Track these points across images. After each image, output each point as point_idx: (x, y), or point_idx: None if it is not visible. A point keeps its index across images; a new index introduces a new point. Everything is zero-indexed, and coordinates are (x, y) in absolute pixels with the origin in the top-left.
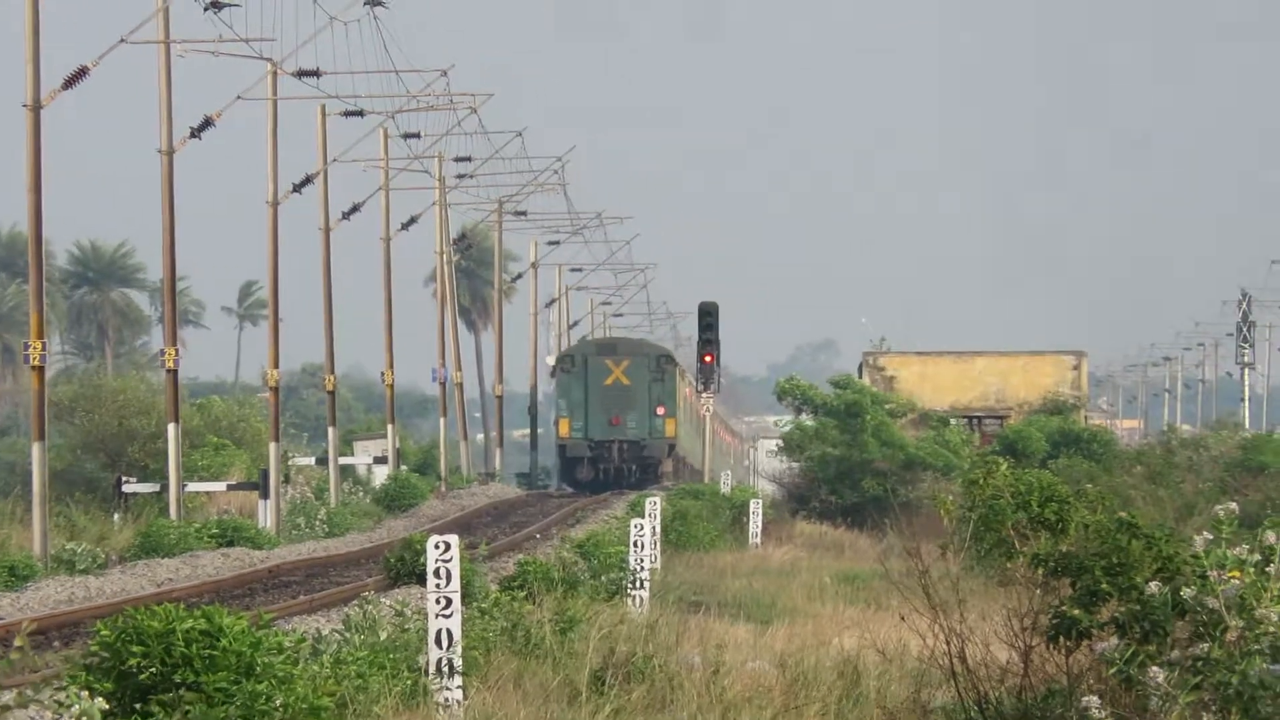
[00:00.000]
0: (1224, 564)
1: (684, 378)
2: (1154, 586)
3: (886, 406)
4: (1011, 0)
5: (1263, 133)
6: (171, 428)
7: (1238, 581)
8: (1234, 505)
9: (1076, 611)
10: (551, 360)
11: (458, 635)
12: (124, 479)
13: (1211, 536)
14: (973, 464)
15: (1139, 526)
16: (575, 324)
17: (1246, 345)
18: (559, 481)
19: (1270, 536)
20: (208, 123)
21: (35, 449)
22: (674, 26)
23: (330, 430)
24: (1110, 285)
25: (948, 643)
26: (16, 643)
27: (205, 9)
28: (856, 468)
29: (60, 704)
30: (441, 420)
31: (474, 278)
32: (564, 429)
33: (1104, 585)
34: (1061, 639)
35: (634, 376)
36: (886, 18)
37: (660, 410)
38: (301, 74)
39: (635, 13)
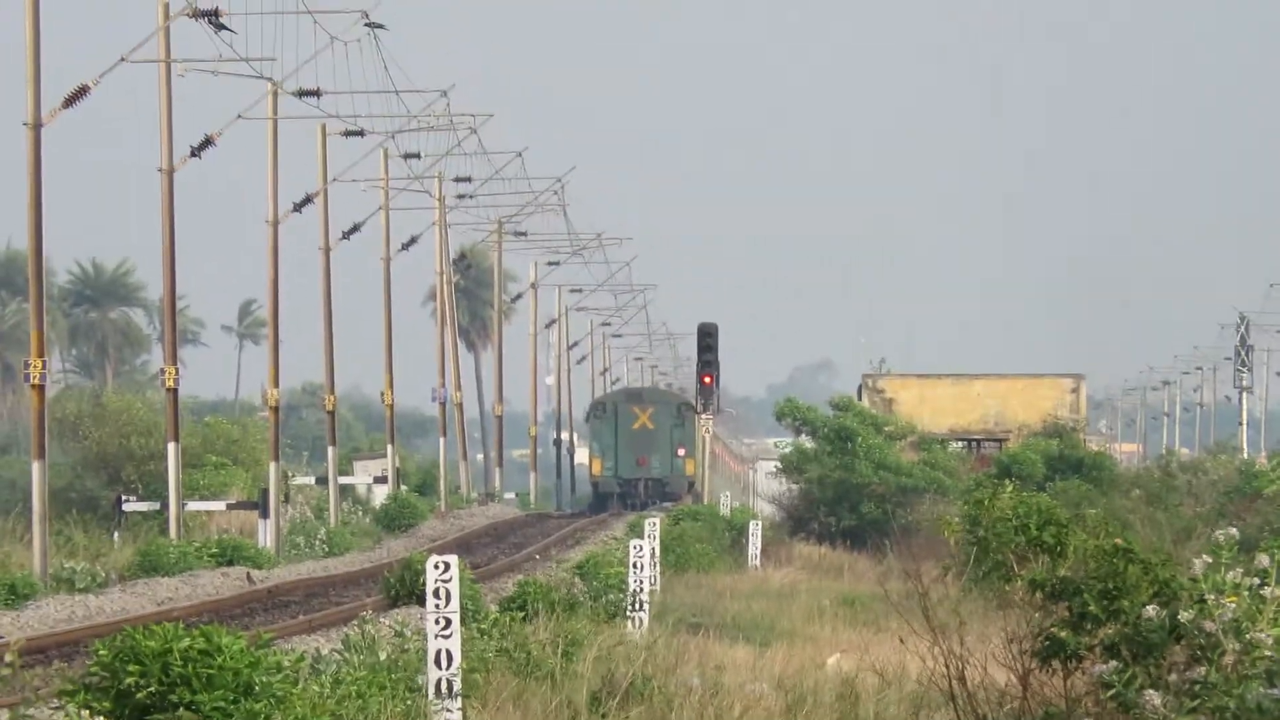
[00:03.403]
0: (1222, 588)
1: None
2: (1151, 610)
3: (885, 429)
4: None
5: (1260, 155)
6: (171, 446)
7: (1234, 605)
8: (1234, 530)
9: (1065, 634)
10: (551, 381)
11: (457, 656)
12: (124, 497)
13: (1210, 560)
14: (976, 484)
15: (1135, 552)
16: (575, 344)
17: (1244, 369)
18: (591, 512)
19: (1264, 560)
20: (208, 142)
21: (35, 467)
22: (684, 40)
23: (330, 450)
24: (1109, 309)
25: (947, 665)
26: (7, 659)
27: (198, 16)
28: (854, 490)
29: None
30: (441, 440)
31: (473, 298)
32: (596, 468)
33: (1092, 608)
34: (1053, 661)
35: (658, 422)
36: (885, 39)
37: (681, 451)
38: (302, 94)
39: (639, 33)
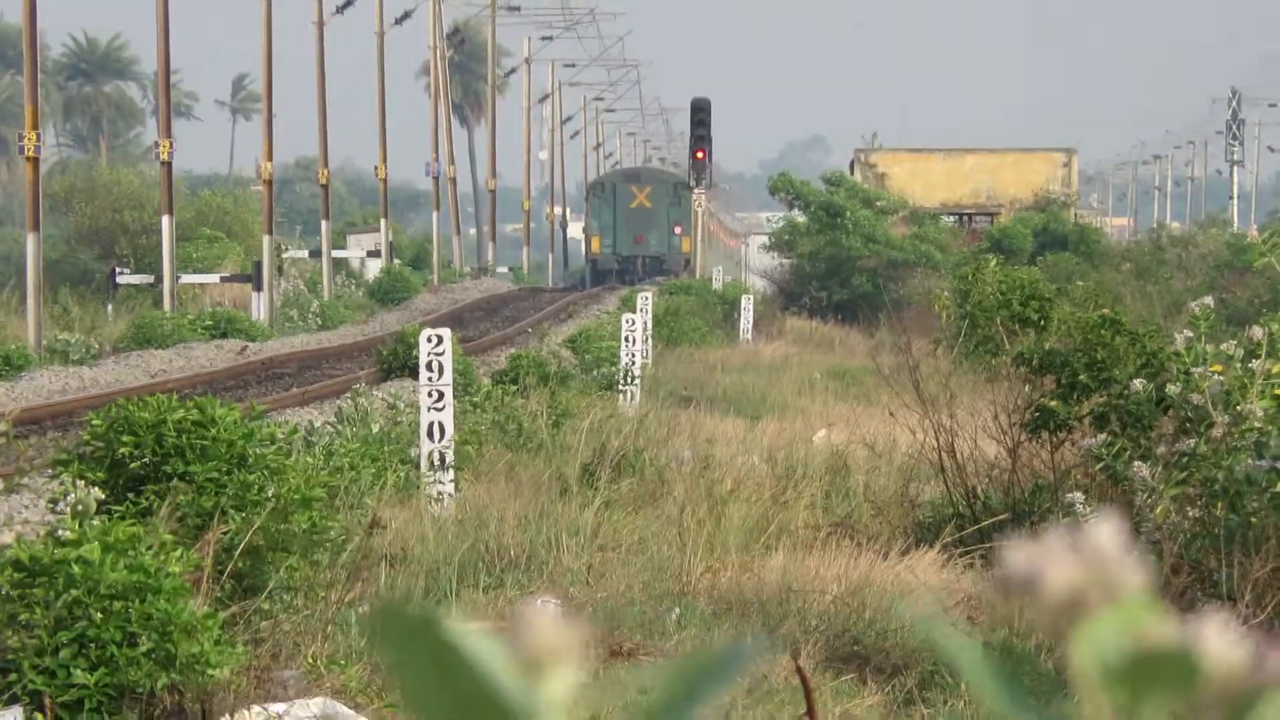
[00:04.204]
0: (1203, 360)
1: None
2: (1138, 384)
3: (877, 204)
4: None
5: None
6: (165, 220)
7: (1220, 377)
8: (1209, 300)
9: (1055, 404)
10: (544, 156)
11: (450, 428)
12: (118, 270)
13: (1191, 333)
14: (961, 260)
15: (1122, 322)
16: (568, 119)
17: (1236, 143)
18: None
19: (1257, 332)
20: None
21: (30, 240)
22: None
23: (323, 223)
24: (1103, 83)
25: (936, 437)
26: (1, 428)
27: None
28: (845, 264)
29: (55, 493)
30: (434, 214)
31: (466, 73)
32: (595, 246)
33: (1083, 378)
34: (1044, 433)
35: (655, 201)
36: None
37: (678, 229)
38: None
39: None
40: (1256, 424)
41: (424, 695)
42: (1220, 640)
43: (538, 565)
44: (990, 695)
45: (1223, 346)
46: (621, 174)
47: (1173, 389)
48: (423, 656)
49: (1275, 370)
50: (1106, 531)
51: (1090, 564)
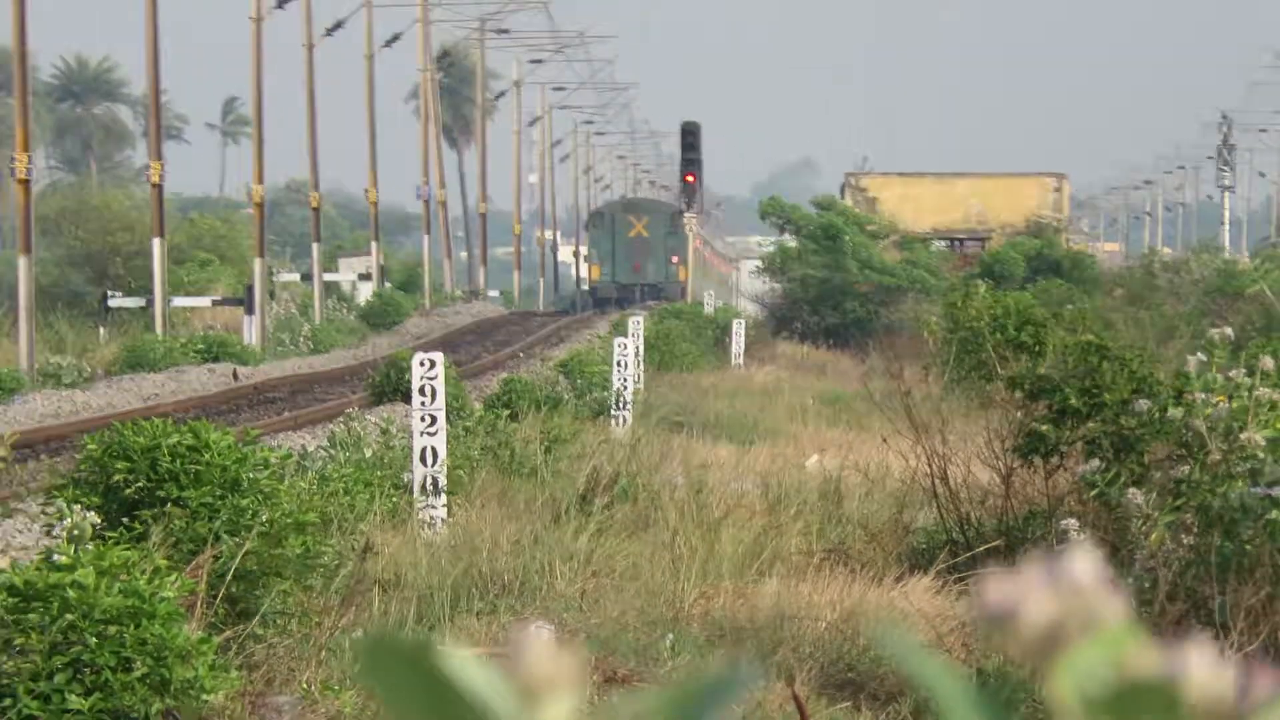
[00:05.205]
0: (1212, 387)
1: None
2: (1143, 404)
3: (868, 228)
4: None
5: None
6: (156, 242)
7: (1225, 405)
8: (1229, 330)
9: (1046, 428)
10: (534, 179)
11: (443, 453)
12: (110, 294)
13: (1204, 358)
14: (952, 286)
15: (1108, 348)
16: (558, 142)
17: (1226, 168)
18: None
19: (1268, 363)
20: None
21: (21, 263)
22: None
23: (315, 246)
24: (1093, 108)
25: (930, 464)
26: (0, 453)
27: None
28: (838, 289)
29: (50, 517)
30: (425, 238)
31: (456, 96)
32: (595, 274)
33: (1073, 402)
34: (1036, 458)
35: (652, 231)
36: None
37: (674, 259)
38: None
39: None
40: (1259, 453)
41: None
42: (1203, 669)
43: (531, 591)
44: None
45: (1231, 374)
46: (620, 204)
47: (1175, 412)
48: (415, 687)
49: (1278, 399)
50: (1083, 561)
51: (1068, 595)
